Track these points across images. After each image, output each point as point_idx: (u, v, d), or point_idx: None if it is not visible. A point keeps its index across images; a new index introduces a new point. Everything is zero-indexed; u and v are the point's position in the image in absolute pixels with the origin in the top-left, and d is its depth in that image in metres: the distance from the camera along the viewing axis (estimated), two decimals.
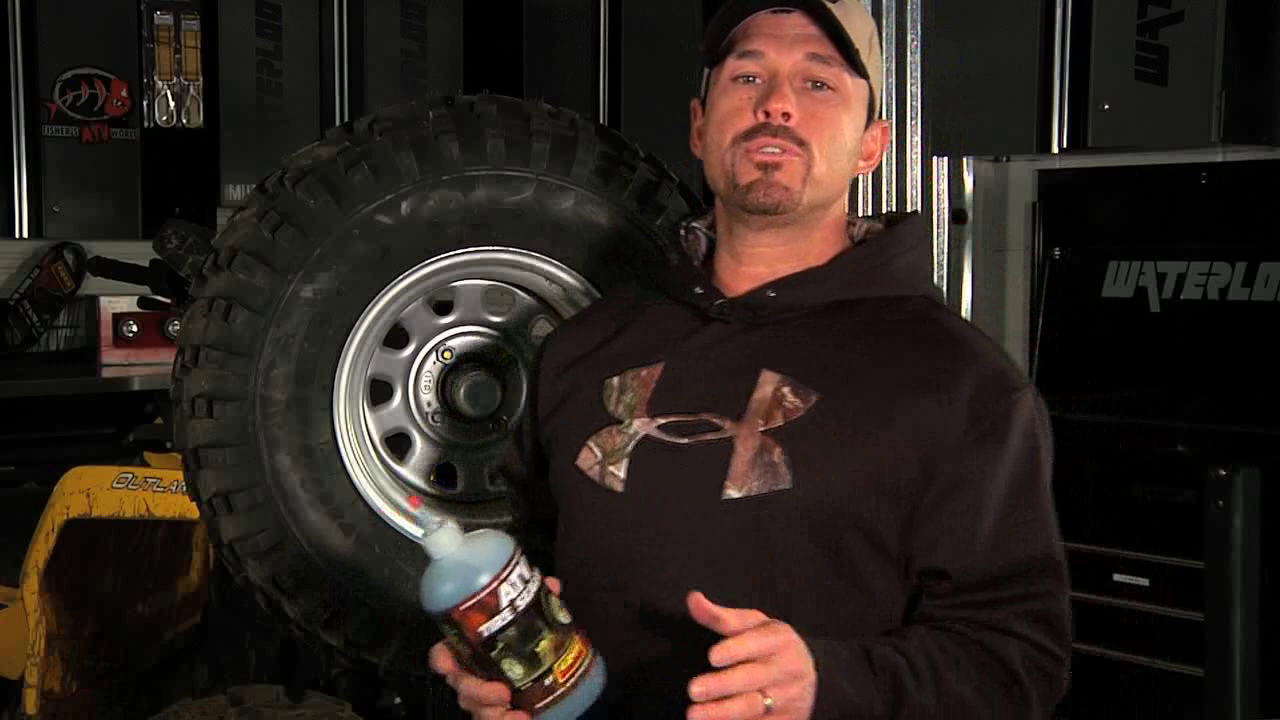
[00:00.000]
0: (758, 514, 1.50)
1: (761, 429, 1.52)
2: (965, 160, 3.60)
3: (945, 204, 3.53)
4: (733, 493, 1.51)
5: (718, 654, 1.33)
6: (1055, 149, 3.31)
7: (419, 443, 2.32)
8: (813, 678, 1.38)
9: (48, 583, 2.89)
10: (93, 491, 2.80)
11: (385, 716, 3.02)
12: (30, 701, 2.91)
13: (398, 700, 3.01)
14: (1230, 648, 2.67)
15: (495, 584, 1.37)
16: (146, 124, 4.90)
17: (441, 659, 1.44)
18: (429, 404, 2.31)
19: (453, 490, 2.34)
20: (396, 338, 2.28)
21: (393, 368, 2.29)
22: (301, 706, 2.78)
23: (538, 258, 2.19)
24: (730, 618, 1.36)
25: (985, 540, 1.51)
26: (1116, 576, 3.10)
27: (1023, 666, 1.51)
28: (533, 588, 1.39)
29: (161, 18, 4.90)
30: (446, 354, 2.31)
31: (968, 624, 1.51)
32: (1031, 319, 3.59)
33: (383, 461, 2.27)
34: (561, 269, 2.21)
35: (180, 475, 2.26)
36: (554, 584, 1.45)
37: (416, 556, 2.18)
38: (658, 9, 4.42)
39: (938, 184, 3.52)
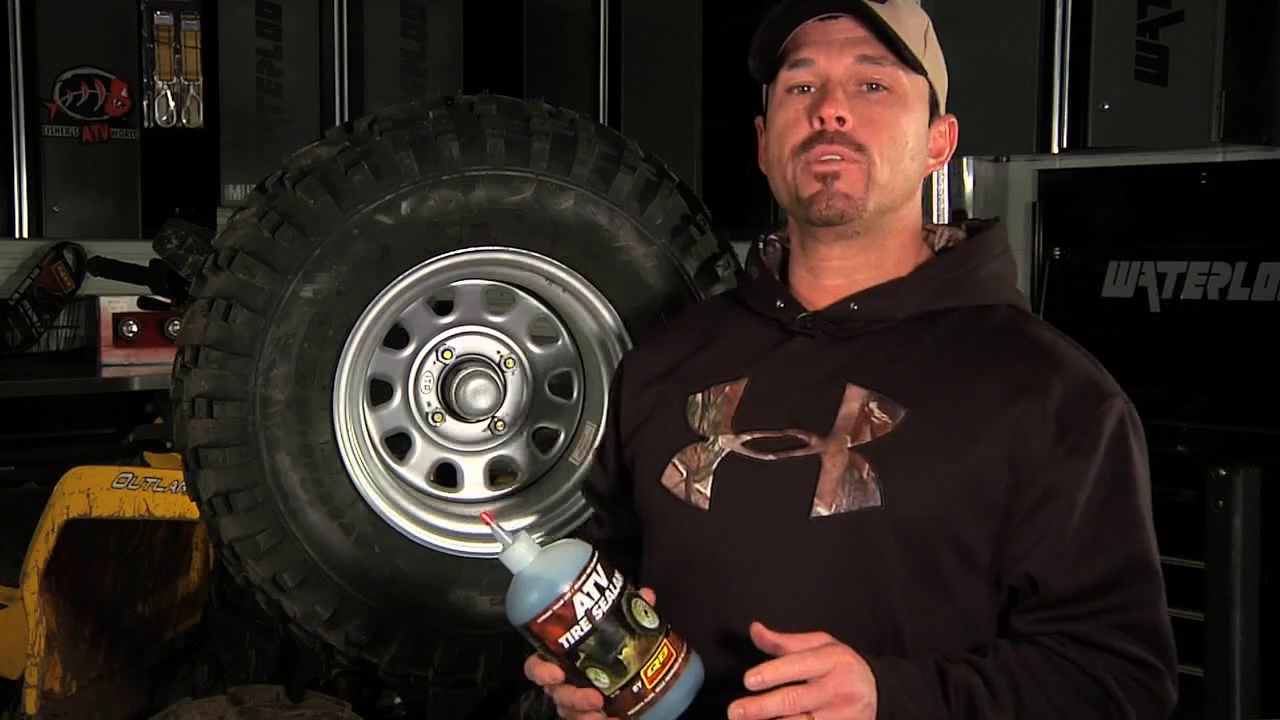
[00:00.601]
0: (847, 532, 1.48)
1: (849, 446, 1.49)
2: (965, 160, 3.60)
3: (945, 204, 3.52)
4: (821, 510, 1.48)
5: (752, 678, 1.33)
6: (1055, 149, 3.30)
7: (419, 443, 2.32)
8: (870, 700, 1.36)
9: (48, 583, 2.89)
10: (93, 491, 2.80)
11: (385, 716, 3.02)
12: (30, 701, 2.91)
13: (398, 700, 3.01)
14: (1230, 648, 2.67)
15: (570, 595, 1.36)
16: (146, 124, 4.91)
17: (537, 669, 1.43)
18: (429, 404, 2.31)
19: (453, 491, 2.34)
20: (396, 338, 2.28)
21: (393, 368, 2.29)
22: (301, 706, 2.77)
23: (538, 258, 2.19)
24: (793, 643, 1.36)
25: (1077, 550, 1.49)
26: None
27: (1117, 683, 1.48)
28: (611, 595, 1.38)
29: (161, 18, 4.91)
30: (446, 354, 2.31)
31: (1057, 639, 1.48)
32: None
33: (383, 461, 2.27)
34: (561, 269, 2.21)
35: (180, 475, 2.26)
36: (649, 594, 1.43)
37: (417, 556, 2.19)
38: (658, 9, 4.42)
39: (938, 184, 3.52)
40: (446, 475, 2.35)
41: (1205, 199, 3.27)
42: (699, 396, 1.60)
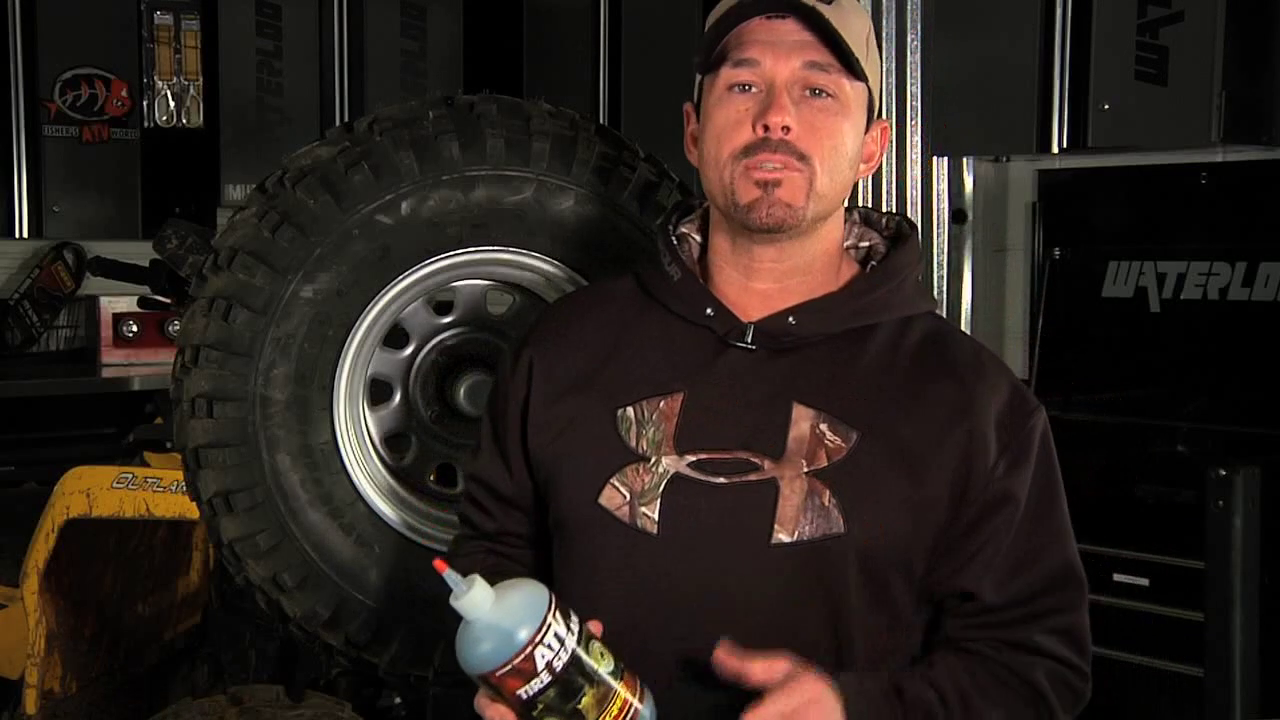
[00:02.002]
0: (808, 558, 1.47)
1: (806, 470, 1.48)
2: (965, 160, 3.61)
3: (945, 204, 3.53)
4: (783, 537, 1.47)
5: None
6: (1055, 149, 3.31)
7: (419, 443, 2.32)
8: None
9: (48, 583, 2.89)
10: (93, 491, 2.80)
11: (385, 716, 3.02)
12: (30, 701, 2.91)
13: (398, 700, 3.01)
14: (1230, 648, 2.67)
15: (530, 648, 1.32)
16: (146, 124, 4.91)
17: (488, 710, 1.40)
18: (429, 404, 2.31)
19: (452, 490, 2.34)
20: (396, 338, 2.28)
21: (393, 368, 2.29)
22: (301, 706, 2.77)
23: (538, 258, 2.19)
24: (756, 669, 1.38)
25: (1012, 559, 1.52)
26: (1116, 576, 3.11)
27: (1049, 685, 1.53)
28: (570, 644, 1.34)
29: (161, 18, 4.91)
30: (446, 354, 2.31)
31: (993, 645, 1.53)
32: (1031, 319, 3.60)
33: (383, 461, 2.27)
34: (561, 269, 2.21)
35: (180, 475, 2.26)
36: (596, 627, 1.40)
37: (417, 556, 2.19)
38: (658, 9, 4.42)
39: (938, 184, 3.52)
40: (447, 475, 2.35)
41: (1205, 199, 3.28)
42: (629, 411, 1.54)
